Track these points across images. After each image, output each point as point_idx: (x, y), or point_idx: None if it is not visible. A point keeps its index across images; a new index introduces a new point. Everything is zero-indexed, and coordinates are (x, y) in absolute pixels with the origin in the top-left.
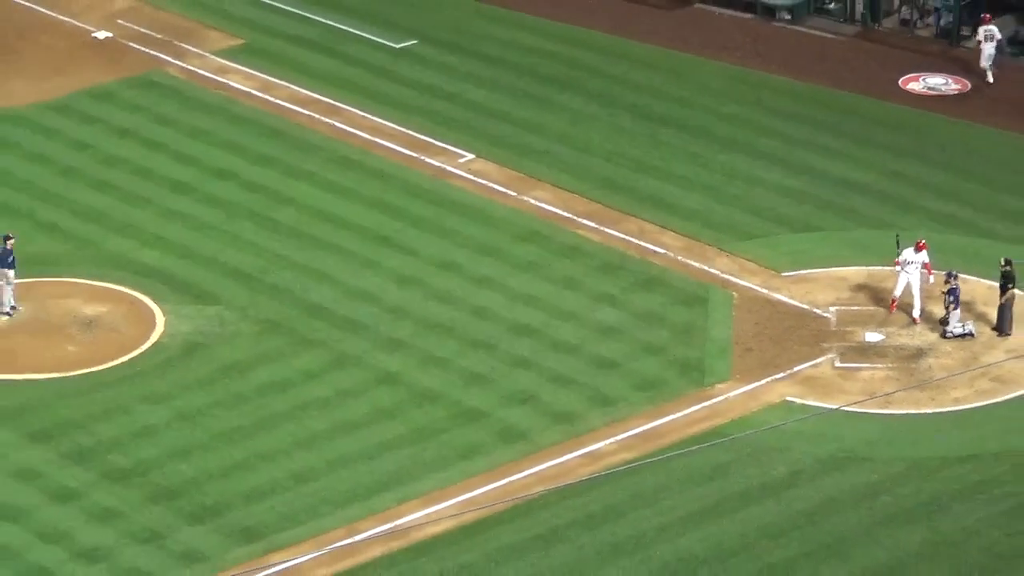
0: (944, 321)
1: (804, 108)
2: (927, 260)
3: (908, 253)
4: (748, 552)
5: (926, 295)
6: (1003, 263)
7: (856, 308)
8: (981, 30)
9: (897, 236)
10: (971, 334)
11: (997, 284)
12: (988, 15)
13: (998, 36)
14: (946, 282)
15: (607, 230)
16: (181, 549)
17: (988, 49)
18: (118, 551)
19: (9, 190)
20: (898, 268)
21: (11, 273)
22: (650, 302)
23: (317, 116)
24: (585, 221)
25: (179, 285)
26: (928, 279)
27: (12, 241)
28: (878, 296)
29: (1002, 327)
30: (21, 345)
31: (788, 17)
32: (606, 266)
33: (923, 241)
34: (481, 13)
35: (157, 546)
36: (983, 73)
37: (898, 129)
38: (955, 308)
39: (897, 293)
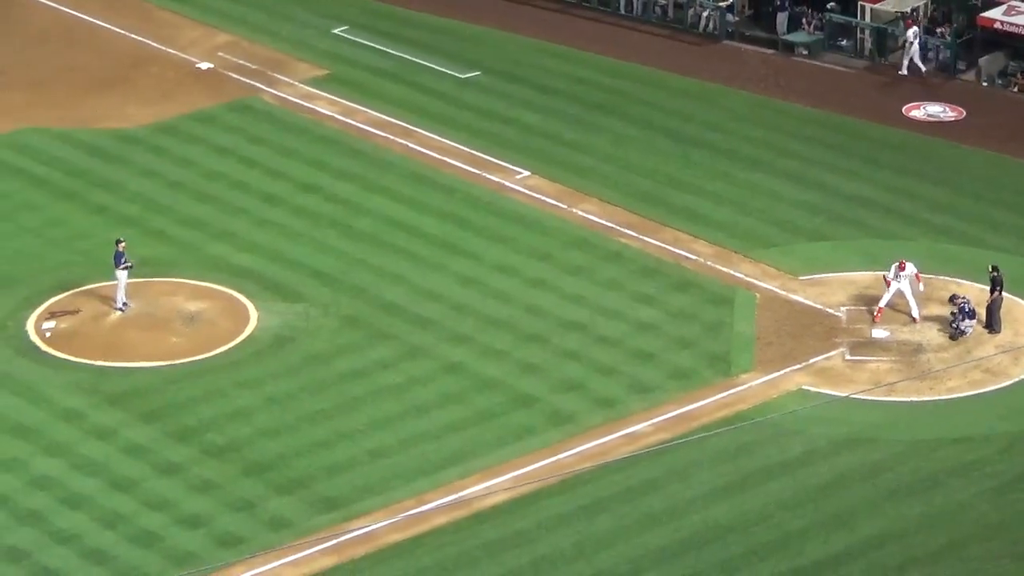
0: (961, 330)
1: (819, 132)
2: (916, 271)
3: (893, 270)
4: (768, 521)
5: (936, 301)
6: (991, 269)
7: (864, 308)
8: (909, 32)
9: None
10: (964, 332)
11: (987, 287)
12: (910, 20)
13: (920, 35)
14: (953, 302)
15: (646, 238)
16: (270, 516)
17: (915, 47)
18: (215, 518)
19: (124, 201)
20: (887, 283)
21: (123, 274)
22: (683, 302)
23: (392, 137)
24: (626, 230)
25: (270, 285)
26: (919, 287)
27: (123, 244)
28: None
29: (991, 325)
30: (132, 337)
31: (805, 53)
32: (645, 270)
33: (902, 262)
34: (536, 48)
35: (249, 514)
36: (900, 63)
37: (901, 151)
38: (969, 319)
39: (882, 304)
